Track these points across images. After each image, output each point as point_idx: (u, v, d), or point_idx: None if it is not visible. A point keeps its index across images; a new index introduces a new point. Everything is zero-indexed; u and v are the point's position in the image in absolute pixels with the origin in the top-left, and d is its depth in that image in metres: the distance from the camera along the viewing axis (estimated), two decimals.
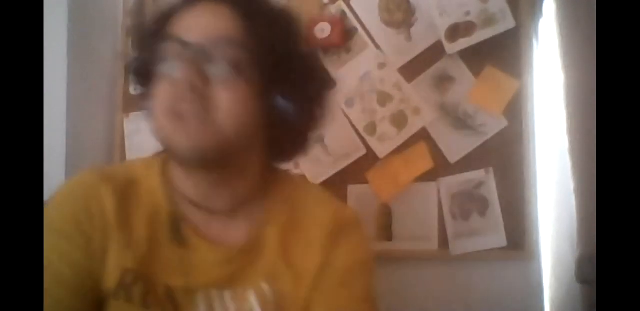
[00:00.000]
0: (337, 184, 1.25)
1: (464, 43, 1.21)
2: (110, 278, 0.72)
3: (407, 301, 1.22)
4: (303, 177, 1.27)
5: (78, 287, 0.71)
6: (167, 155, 0.78)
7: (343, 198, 1.26)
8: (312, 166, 1.27)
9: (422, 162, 1.24)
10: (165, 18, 0.77)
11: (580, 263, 1.07)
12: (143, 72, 0.78)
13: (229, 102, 0.70)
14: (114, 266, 0.72)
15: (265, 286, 0.77)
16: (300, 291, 0.77)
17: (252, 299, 0.76)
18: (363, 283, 0.80)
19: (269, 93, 0.74)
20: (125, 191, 0.77)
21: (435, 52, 1.24)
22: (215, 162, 0.73)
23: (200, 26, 0.73)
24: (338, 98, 1.29)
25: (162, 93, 0.72)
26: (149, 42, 0.77)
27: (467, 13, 1.21)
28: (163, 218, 0.77)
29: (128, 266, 0.73)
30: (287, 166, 0.88)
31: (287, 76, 0.75)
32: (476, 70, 1.23)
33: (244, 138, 0.74)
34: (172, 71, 0.72)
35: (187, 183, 0.78)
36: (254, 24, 0.73)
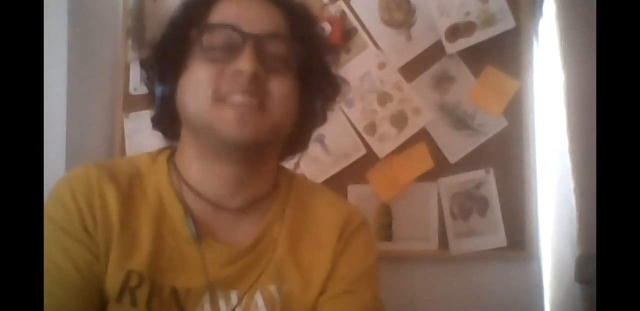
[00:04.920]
0: (337, 184, 1.25)
1: (464, 43, 1.21)
2: (113, 280, 0.69)
3: (407, 301, 1.22)
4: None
5: (81, 287, 0.68)
6: (202, 141, 0.74)
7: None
8: (312, 166, 1.27)
9: (422, 162, 1.23)
10: (205, 4, 0.75)
11: (580, 263, 1.07)
12: (172, 57, 0.75)
13: (282, 95, 0.72)
14: (117, 268, 0.70)
15: (272, 287, 0.75)
16: (308, 294, 0.76)
17: (259, 300, 0.74)
18: (370, 289, 0.79)
19: (302, 90, 0.77)
20: (130, 188, 0.74)
21: (435, 52, 1.25)
22: (256, 151, 0.73)
23: (254, 18, 0.73)
24: (337, 98, 1.29)
25: (207, 79, 0.70)
26: (184, 27, 0.75)
27: (467, 13, 1.21)
28: (170, 215, 0.74)
29: (132, 268, 0.70)
30: (287, 166, 0.88)
31: (318, 75, 0.79)
32: (476, 70, 1.23)
33: (288, 131, 0.76)
34: (219, 58, 0.71)
35: (203, 179, 0.75)
36: (295, 23, 0.76)
